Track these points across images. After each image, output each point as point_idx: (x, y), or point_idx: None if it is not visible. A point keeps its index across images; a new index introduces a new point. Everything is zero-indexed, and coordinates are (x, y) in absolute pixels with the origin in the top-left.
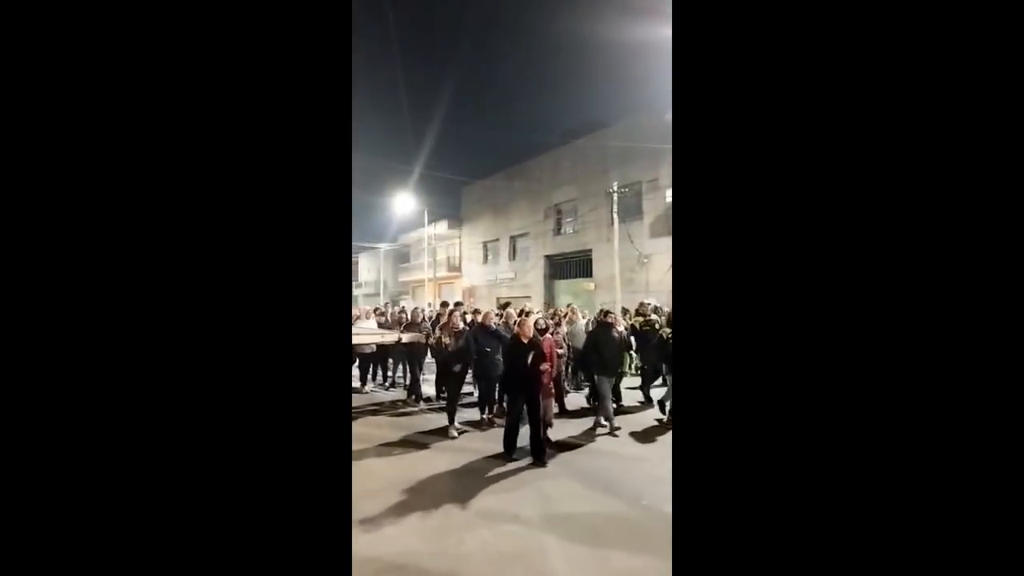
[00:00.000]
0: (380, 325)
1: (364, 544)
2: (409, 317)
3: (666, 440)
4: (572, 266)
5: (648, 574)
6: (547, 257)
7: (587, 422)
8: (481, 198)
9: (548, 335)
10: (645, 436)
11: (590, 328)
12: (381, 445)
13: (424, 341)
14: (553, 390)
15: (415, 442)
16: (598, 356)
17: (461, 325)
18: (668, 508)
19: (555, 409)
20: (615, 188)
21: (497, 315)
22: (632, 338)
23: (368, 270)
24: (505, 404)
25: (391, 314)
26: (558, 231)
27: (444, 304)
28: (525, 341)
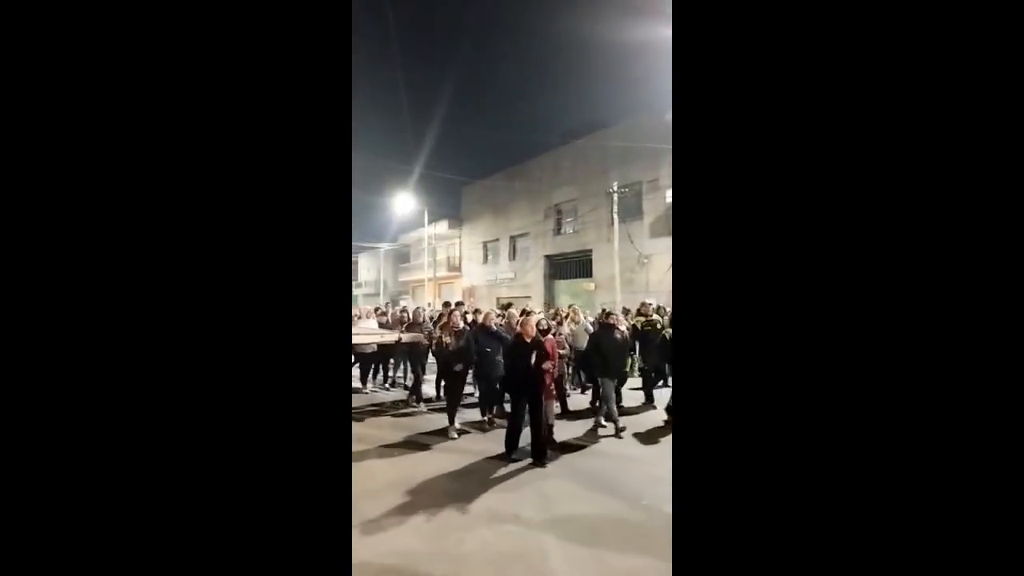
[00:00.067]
0: (381, 325)
1: (364, 544)
2: (411, 317)
3: (670, 441)
4: (572, 266)
5: (648, 574)
6: (547, 257)
7: (589, 423)
8: (481, 198)
9: (550, 335)
10: (648, 437)
11: (589, 329)
12: (382, 446)
13: (426, 341)
14: (555, 391)
15: (416, 443)
16: (601, 358)
17: (462, 324)
18: (668, 508)
19: (556, 410)
20: (615, 188)
21: (499, 315)
22: (634, 339)
23: (368, 270)
24: (506, 405)
25: (392, 314)
26: (558, 231)
27: (446, 304)
28: (528, 341)
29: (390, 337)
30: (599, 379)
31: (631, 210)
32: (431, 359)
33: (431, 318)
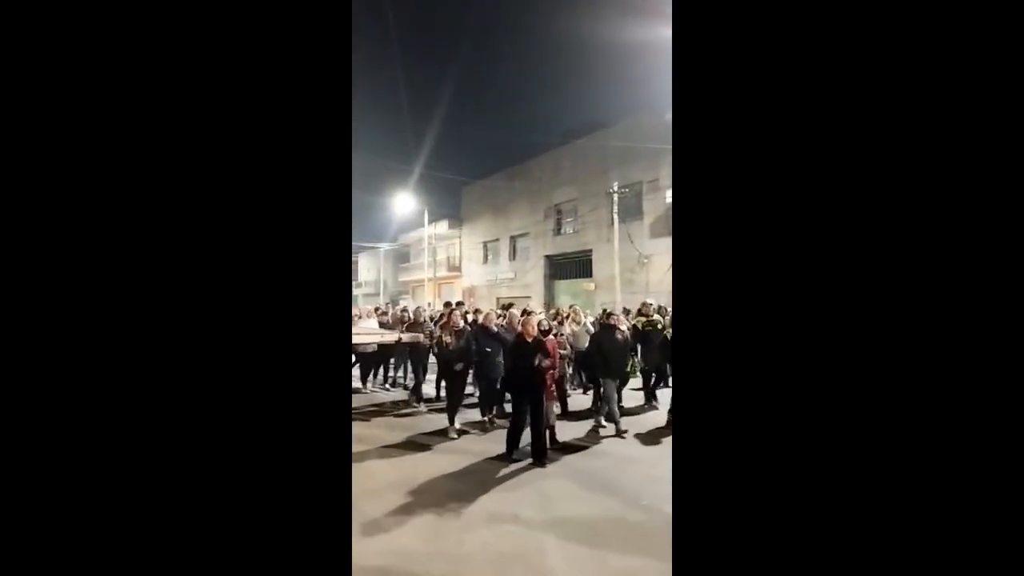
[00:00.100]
0: (382, 325)
1: (364, 545)
2: (411, 316)
3: (671, 441)
4: (572, 266)
5: (648, 574)
6: (547, 257)
7: (590, 423)
8: (481, 198)
9: (551, 336)
10: (650, 437)
11: (591, 330)
12: (382, 446)
13: (426, 341)
14: (556, 391)
15: (416, 443)
16: (602, 358)
17: (462, 324)
18: (668, 508)
19: (557, 411)
20: (615, 188)
21: (499, 315)
22: (635, 339)
23: (368, 270)
24: (506, 405)
25: (392, 314)
26: (558, 231)
27: (447, 304)
28: (529, 340)
29: (390, 337)
30: (600, 379)
31: (631, 210)
32: (432, 360)
33: (432, 318)
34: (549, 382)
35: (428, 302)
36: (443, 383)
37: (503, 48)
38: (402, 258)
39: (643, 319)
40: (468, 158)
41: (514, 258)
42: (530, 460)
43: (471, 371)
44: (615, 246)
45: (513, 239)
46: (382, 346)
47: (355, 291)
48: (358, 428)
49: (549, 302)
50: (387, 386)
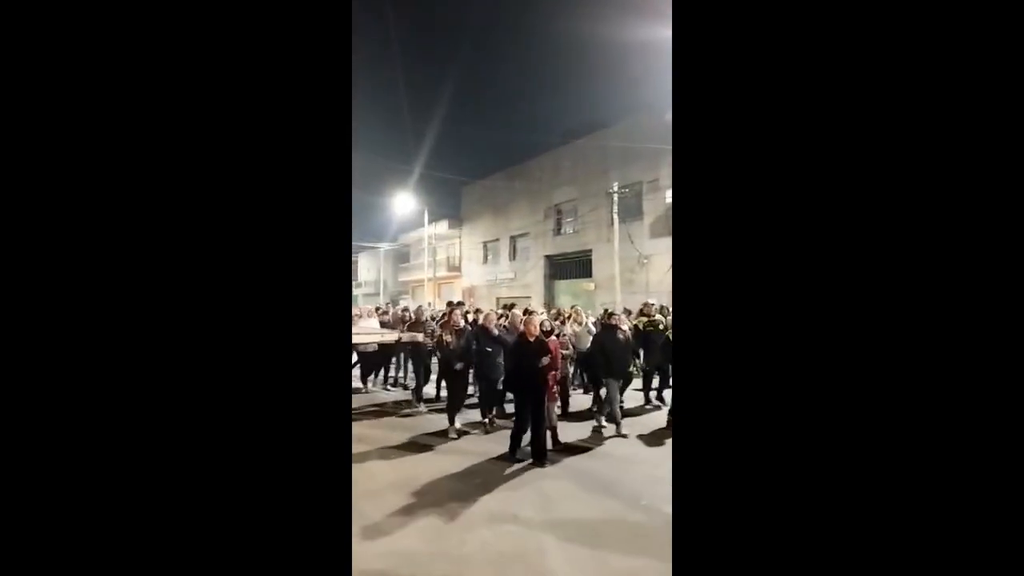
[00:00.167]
0: (383, 324)
1: (365, 545)
2: (413, 316)
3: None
4: (572, 266)
5: (648, 574)
6: (547, 257)
7: (591, 423)
8: (481, 198)
9: (554, 336)
10: (653, 438)
11: (592, 330)
12: (383, 447)
13: (428, 340)
14: (558, 393)
15: (417, 443)
16: (605, 358)
17: (462, 323)
18: (668, 509)
19: (558, 411)
20: (615, 188)
21: (501, 316)
22: (636, 340)
23: (368, 270)
24: (507, 406)
25: (393, 313)
26: (558, 231)
27: (450, 303)
28: (531, 339)
29: (390, 336)
30: (603, 380)
31: (631, 210)
32: (435, 361)
33: (433, 317)
34: (551, 383)
35: (428, 302)
36: (443, 383)
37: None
38: (402, 258)
39: (645, 319)
40: (468, 158)
41: (514, 258)
42: (531, 460)
43: (471, 371)
44: (615, 246)
45: (513, 239)
46: (383, 346)
47: (355, 291)
48: (358, 428)
49: (549, 302)
50: (387, 386)
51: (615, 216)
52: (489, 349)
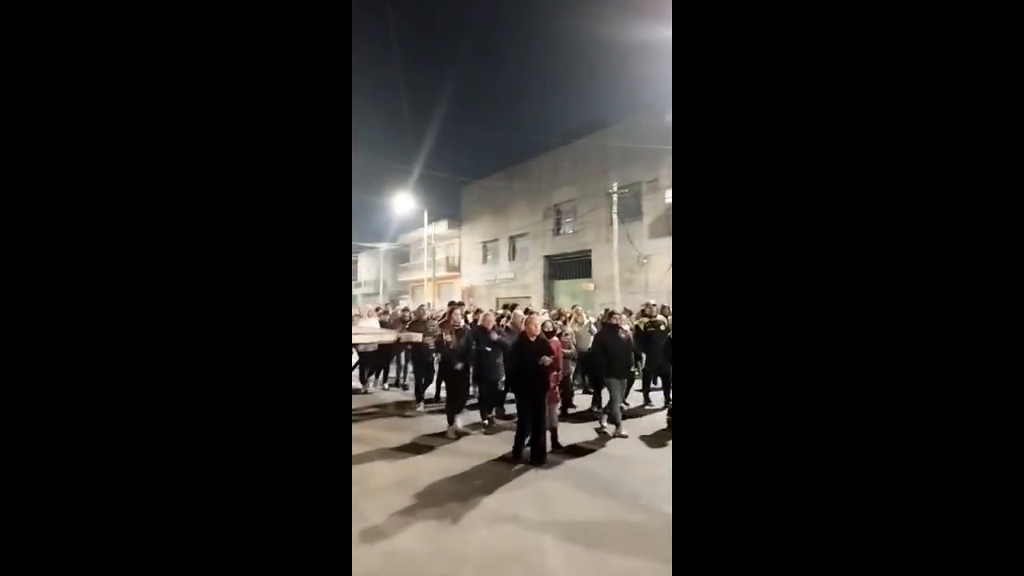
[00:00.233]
0: (383, 325)
1: (365, 545)
2: (413, 316)
3: None
4: (572, 266)
5: (648, 575)
6: (547, 257)
7: (592, 424)
8: (481, 198)
9: (555, 336)
10: (654, 439)
11: (593, 330)
12: (383, 447)
13: (428, 340)
14: (559, 394)
15: (417, 444)
16: (607, 358)
17: (462, 323)
18: (668, 509)
19: (558, 412)
20: (615, 188)
21: (501, 316)
22: (637, 340)
23: (368, 270)
24: (507, 406)
25: (393, 313)
26: (558, 231)
27: (451, 303)
28: (532, 339)
29: (389, 336)
30: (605, 380)
31: (631, 210)
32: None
33: (433, 317)
34: (553, 383)
35: (428, 302)
36: (444, 383)
37: (503, 48)
38: (402, 258)
39: (646, 320)
40: (468, 158)
41: (513, 258)
42: (531, 461)
43: (471, 372)
44: (614, 246)
45: (512, 239)
46: (382, 346)
47: (355, 291)
48: (359, 429)
49: (548, 302)
50: (385, 386)
51: (615, 216)
52: (488, 349)
